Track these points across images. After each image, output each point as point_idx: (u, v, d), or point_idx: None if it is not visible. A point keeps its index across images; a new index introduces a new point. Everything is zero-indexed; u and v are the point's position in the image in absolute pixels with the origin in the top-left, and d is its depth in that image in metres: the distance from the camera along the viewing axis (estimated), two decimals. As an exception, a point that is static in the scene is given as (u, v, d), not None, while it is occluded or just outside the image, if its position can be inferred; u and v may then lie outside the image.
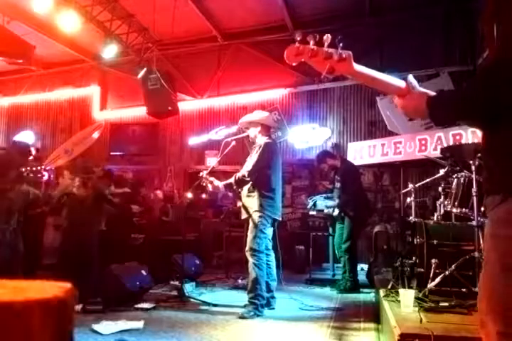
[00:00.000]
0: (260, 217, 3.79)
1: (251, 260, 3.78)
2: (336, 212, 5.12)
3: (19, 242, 3.72)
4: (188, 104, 8.42)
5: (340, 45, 1.34)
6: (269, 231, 3.90)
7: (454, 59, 6.86)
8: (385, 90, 1.47)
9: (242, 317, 3.61)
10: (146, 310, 3.81)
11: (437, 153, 4.63)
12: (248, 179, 3.87)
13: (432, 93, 1.36)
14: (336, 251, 5.21)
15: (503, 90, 1.19)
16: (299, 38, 1.35)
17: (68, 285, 0.51)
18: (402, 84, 1.39)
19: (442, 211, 3.51)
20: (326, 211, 5.37)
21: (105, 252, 4.56)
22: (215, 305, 4.05)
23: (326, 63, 1.34)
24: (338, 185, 5.17)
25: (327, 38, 1.33)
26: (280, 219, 4.06)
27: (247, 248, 3.83)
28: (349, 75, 1.41)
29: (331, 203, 5.29)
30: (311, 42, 1.34)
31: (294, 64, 1.41)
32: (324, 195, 5.64)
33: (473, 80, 1.37)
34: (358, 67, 1.37)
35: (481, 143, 1.34)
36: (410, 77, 1.38)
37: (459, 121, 1.44)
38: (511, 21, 1.30)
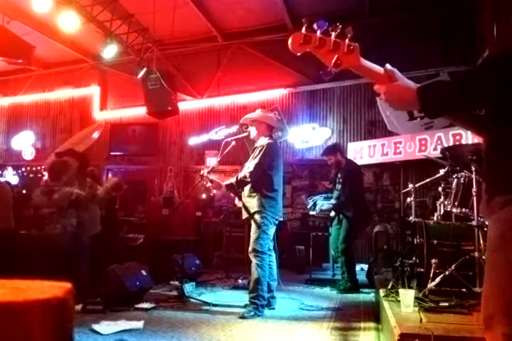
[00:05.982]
0: (262, 217, 3.78)
1: (254, 261, 3.77)
2: (333, 213, 5.10)
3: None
4: (188, 104, 8.41)
5: (349, 35, 1.25)
6: (272, 231, 3.89)
7: (454, 59, 6.86)
8: (376, 80, 1.36)
9: (242, 317, 3.62)
10: (146, 310, 3.81)
11: (437, 153, 4.63)
12: (249, 180, 3.86)
13: (411, 83, 1.30)
14: (332, 252, 5.19)
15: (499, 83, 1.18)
16: (305, 25, 1.25)
17: (68, 285, 0.51)
18: (381, 70, 1.32)
19: (442, 211, 3.51)
20: (318, 211, 5.35)
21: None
22: (215, 305, 4.05)
23: (333, 55, 1.25)
24: (339, 186, 5.09)
25: (335, 27, 1.23)
26: (282, 219, 4.06)
27: (250, 249, 3.82)
28: (354, 69, 1.32)
29: (326, 206, 5.26)
30: (318, 32, 1.24)
31: (298, 54, 1.30)
32: (324, 195, 5.60)
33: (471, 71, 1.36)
34: (363, 61, 1.31)
35: (483, 142, 1.32)
36: (388, 66, 1.32)
37: (454, 112, 1.37)
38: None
